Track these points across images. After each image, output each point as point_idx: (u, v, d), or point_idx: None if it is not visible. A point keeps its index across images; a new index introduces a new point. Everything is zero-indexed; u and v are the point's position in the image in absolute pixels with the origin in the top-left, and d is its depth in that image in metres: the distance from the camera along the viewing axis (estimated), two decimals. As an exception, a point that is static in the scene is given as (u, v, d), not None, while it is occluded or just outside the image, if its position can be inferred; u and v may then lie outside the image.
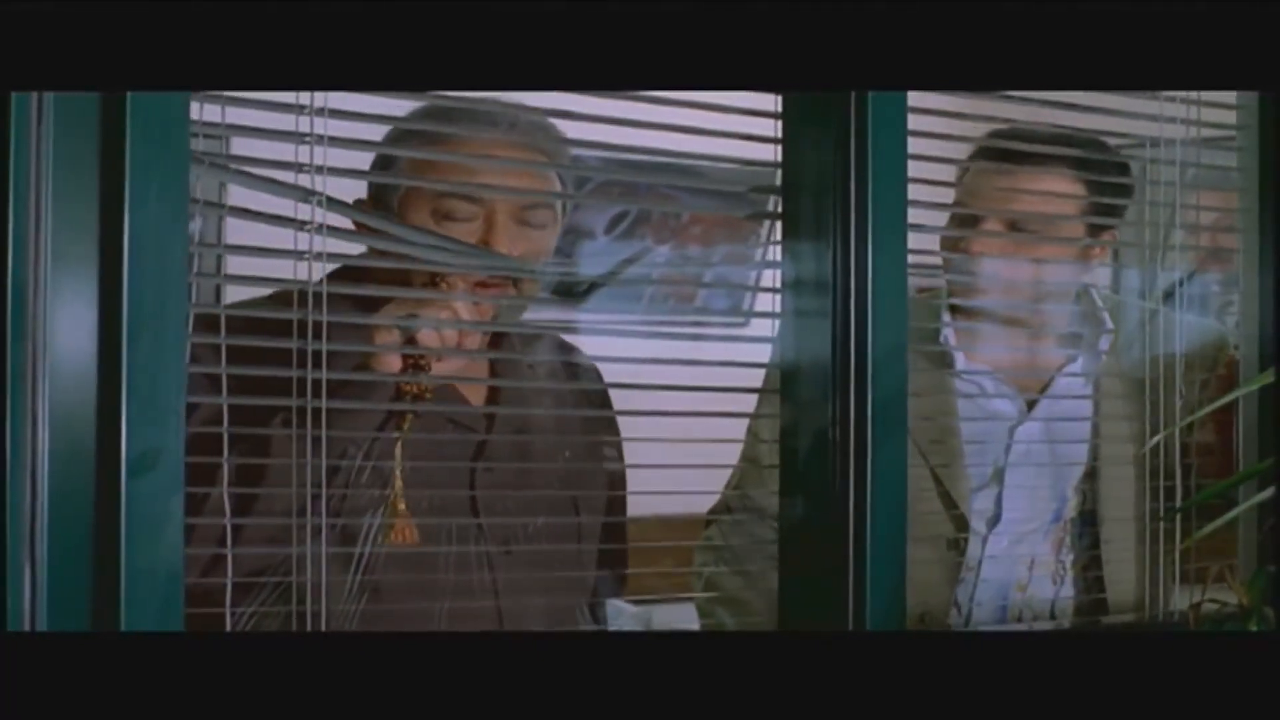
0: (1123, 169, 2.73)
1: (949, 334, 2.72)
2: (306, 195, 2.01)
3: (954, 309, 2.72)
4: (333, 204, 2.05)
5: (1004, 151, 2.65)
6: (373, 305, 2.22)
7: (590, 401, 2.52)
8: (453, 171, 2.30)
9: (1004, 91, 2.40)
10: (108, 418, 1.78)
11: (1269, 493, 2.12)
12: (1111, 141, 2.74)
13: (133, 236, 1.79)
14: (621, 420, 2.52)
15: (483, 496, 2.34)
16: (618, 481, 2.55)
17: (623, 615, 2.75)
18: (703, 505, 2.68)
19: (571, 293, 2.38)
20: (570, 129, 2.33)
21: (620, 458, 2.54)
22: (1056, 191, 2.67)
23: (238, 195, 2.06)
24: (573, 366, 2.52)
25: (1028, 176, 2.66)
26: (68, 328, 1.77)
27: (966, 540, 2.67)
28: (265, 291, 2.19)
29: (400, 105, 2.24)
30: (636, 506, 2.50)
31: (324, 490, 2.07)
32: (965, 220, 2.68)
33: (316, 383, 2.03)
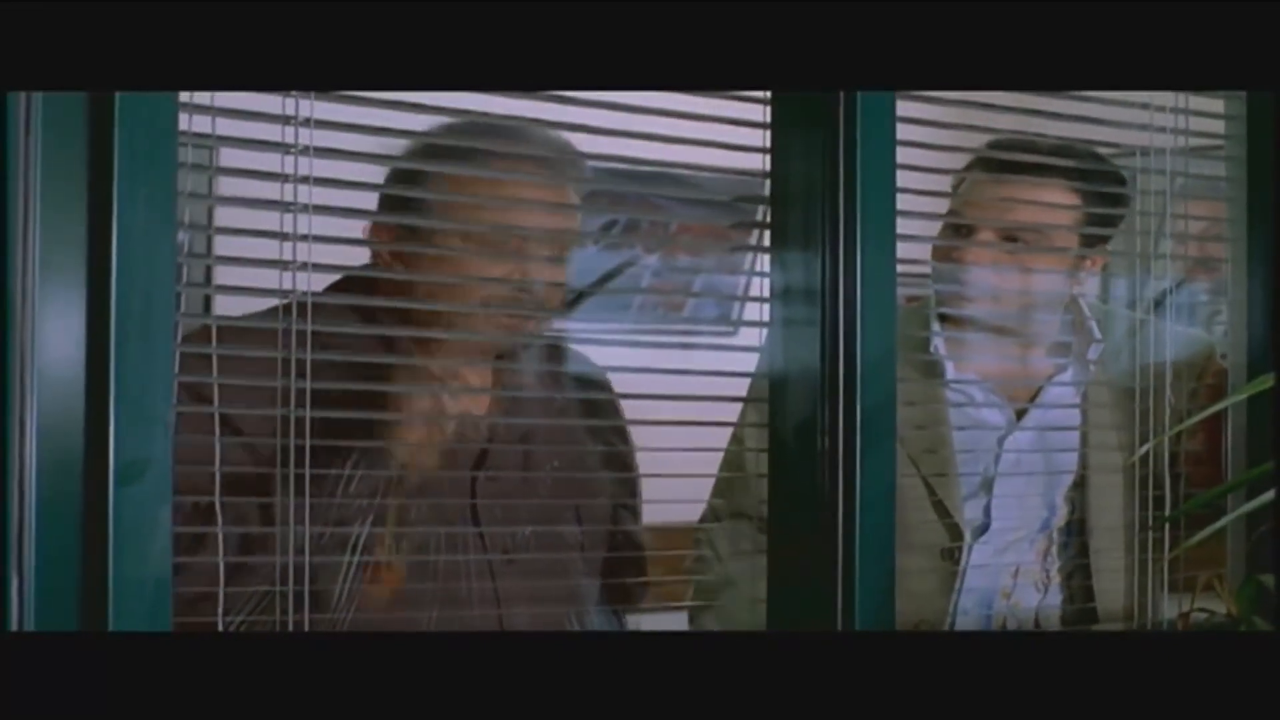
0: (1119, 181, 2.74)
1: (939, 343, 2.72)
2: (295, 208, 2.02)
3: (943, 318, 2.73)
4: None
5: (1002, 162, 2.65)
6: (370, 316, 2.25)
7: (598, 411, 2.52)
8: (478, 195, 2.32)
9: (994, 90, 2.40)
10: (96, 427, 1.78)
11: (1258, 502, 2.12)
12: (1101, 151, 2.74)
13: (120, 246, 1.79)
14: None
15: (483, 505, 2.34)
16: (626, 491, 2.55)
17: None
18: (691, 514, 2.68)
19: (560, 302, 2.39)
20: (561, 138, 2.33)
21: (631, 467, 2.55)
22: (1053, 203, 2.67)
23: (226, 203, 2.06)
24: (581, 377, 2.52)
25: (1025, 187, 2.66)
26: (56, 336, 1.77)
27: (961, 549, 2.67)
28: (258, 306, 2.20)
29: (390, 117, 2.24)
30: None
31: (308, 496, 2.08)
32: (960, 229, 2.68)
33: (300, 392, 2.03)
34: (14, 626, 1.73)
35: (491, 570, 2.34)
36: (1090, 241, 2.73)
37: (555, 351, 2.48)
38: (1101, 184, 2.69)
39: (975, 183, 2.72)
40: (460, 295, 2.32)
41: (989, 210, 2.69)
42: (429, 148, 2.32)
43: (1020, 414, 2.78)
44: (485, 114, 2.22)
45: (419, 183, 2.33)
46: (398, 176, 2.34)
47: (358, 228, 2.32)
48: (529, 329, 2.38)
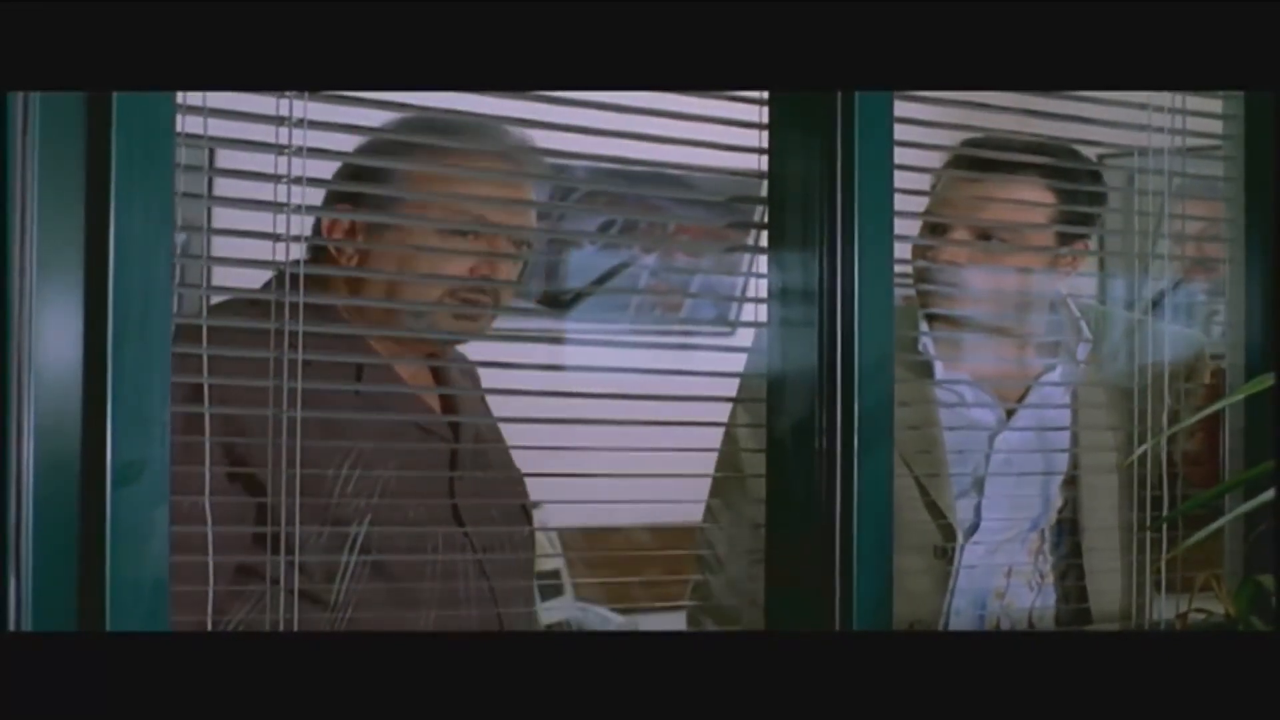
0: (1095, 177, 2.74)
1: (928, 343, 2.72)
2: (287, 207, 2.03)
3: (931, 318, 2.73)
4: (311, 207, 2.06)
5: (976, 160, 2.65)
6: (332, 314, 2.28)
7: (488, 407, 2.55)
8: (441, 191, 2.32)
9: (993, 90, 2.40)
10: (93, 427, 1.78)
11: (1256, 502, 2.12)
12: (1098, 151, 2.74)
13: (118, 247, 1.78)
14: (609, 429, 2.53)
15: (464, 505, 2.34)
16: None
17: (609, 624, 2.75)
18: (687, 515, 2.68)
19: (557, 302, 2.39)
20: (557, 139, 2.33)
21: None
22: (1028, 200, 2.67)
23: (219, 204, 2.07)
24: (471, 372, 2.53)
25: (999, 185, 2.66)
26: (53, 337, 1.76)
27: (954, 549, 2.67)
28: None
29: (380, 118, 2.24)
30: (622, 516, 2.50)
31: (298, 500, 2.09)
32: (938, 229, 2.68)
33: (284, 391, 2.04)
34: (12, 627, 1.73)
35: (484, 570, 2.35)
36: (1067, 239, 2.73)
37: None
38: (1077, 181, 2.69)
39: (950, 181, 2.72)
40: (423, 292, 2.34)
41: (963, 208, 2.69)
42: (389, 145, 2.32)
43: (1010, 413, 2.78)
44: (451, 110, 2.23)
45: (387, 181, 2.33)
46: (357, 174, 2.34)
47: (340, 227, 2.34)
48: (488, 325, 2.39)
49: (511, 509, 2.47)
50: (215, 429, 2.07)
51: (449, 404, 2.44)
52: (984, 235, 2.67)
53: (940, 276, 2.64)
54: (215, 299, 2.21)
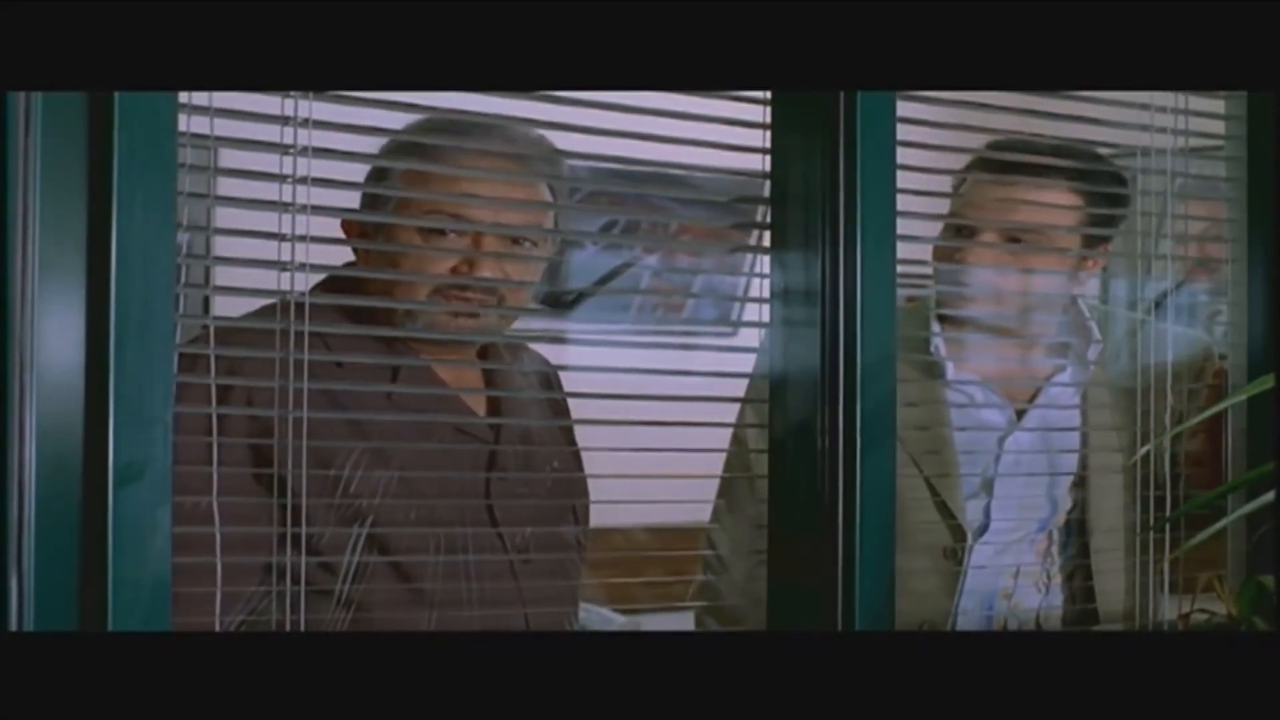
0: (1119, 181, 2.74)
1: (939, 344, 2.72)
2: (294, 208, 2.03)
3: (943, 319, 2.73)
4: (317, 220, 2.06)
5: (1002, 163, 2.65)
6: (359, 316, 2.26)
7: (562, 409, 2.54)
8: (444, 190, 2.32)
9: (994, 90, 2.40)
10: (95, 427, 1.78)
11: (1258, 503, 2.12)
12: (1100, 151, 2.74)
13: (120, 247, 1.79)
14: (610, 429, 2.53)
15: (499, 506, 2.35)
16: (586, 490, 2.57)
17: (611, 625, 2.75)
18: (690, 515, 2.68)
19: (559, 302, 2.39)
20: (560, 139, 2.33)
21: (581, 466, 2.57)
22: (1055, 203, 2.67)
23: (224, 204, 2.07)
24: (544, 374, 2.53)
25: (1027, 188, 2.66)
26: (55, 337, 1.77)
27: (963, 550, 2.67)
28: (255, 305, 2.21)
29: (386, 118, 2.24)
30: (624, 516, 2.51)
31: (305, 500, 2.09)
32: (962, 230, 2.67)
33: (299, 393, 2.04)
34: (13, 626, 1.73)
35: (513, 570, 2.35)
36: (1091, 242, 2.73)
37: (526, 351, 2.50)
38: (1102, 184, 2.69)
39: (976, 184, 2.71)
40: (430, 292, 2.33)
41: (991, 211, 2.69)
42: (402, 145, 2.32)
43: (1020, 414, 2.78)
44: (465, 112, 2.22)
45: (391, 181, 2.33)
46: (374, 175, 2.34)
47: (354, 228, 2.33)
48: (505, 326, 2.38)
49: (555, 510, 2.46)
50: (239, 430, 2.09)
51: (494, 406, 2.43)
52: (1009, 238, 2.67)
53: (963, 278, 2.64)
54: (230, 310, 2.22)
